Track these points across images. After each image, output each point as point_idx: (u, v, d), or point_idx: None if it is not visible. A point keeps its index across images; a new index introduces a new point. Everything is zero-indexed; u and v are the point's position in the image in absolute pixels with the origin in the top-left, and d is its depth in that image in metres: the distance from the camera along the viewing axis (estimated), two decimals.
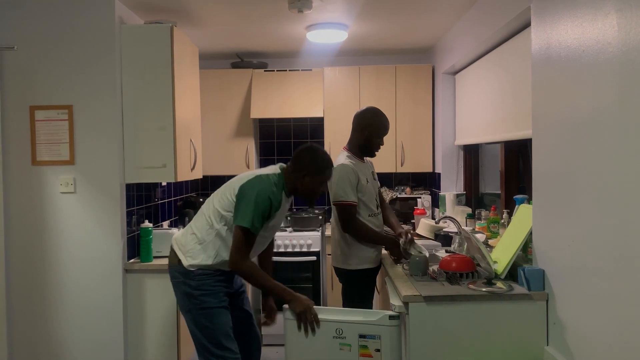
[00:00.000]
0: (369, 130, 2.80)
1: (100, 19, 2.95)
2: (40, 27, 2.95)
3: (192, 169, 3.45)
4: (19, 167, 2.98)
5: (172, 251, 2.46)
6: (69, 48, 2.96)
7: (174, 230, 3.25)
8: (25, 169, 2.98)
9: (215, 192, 2.48)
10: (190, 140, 3.41)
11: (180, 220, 3.87)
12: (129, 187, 3.11)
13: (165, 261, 3.05)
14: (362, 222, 2.74)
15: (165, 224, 3.79)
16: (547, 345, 2.12)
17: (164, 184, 3.76)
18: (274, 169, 2.44)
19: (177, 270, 2.40)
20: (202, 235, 2.38)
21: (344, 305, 2.83)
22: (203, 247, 2.36)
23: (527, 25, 2.49)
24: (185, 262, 2.36)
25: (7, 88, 2.96)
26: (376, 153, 2.89)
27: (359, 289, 2.78)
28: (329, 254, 3.96)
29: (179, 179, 3.14)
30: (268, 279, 2.34)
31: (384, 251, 2.99)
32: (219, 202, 2.38)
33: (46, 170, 2.98)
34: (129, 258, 3.11)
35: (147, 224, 3.11)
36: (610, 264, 1.65)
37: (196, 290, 2.35)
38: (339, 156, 2.85)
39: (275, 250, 4.01)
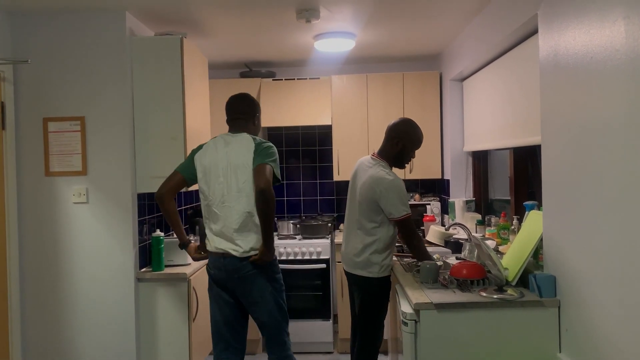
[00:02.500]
0: (403, 144, 2.77)
1: (112, 31, 3.00)
2: (53, 41, 3.01)
3: None
4: (32, 178, 3.02)
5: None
6: (81, 60, 3.01)
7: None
8: (39, 180, 3.02)
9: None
10: None
11: (191, 228, 3.89)
12: (140, 197, 3.14)
13: (177, 270, 3.11)
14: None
15: None
16: (560, 352, 2.11)
17: None
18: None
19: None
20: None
21: (360, 313, 2.82)
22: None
23: (535, 32, 2.50)
24: None
25: (21, 100, 3.01)
26: (406, 165, 2.89)
27: (378, 297, 2.78)
28: (338, 262, 3.97)
29: (190, 188, 3.16)
30: None
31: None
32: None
33: (59, 181, 3.03)
34: (141, 267, 3.13)
35: (158, 233, 3.14)
36: (624, 270, 1.65)
37: (277, 274, 2.61)
38: (374, 166, 2.76)
39: (284, 258, 4.03)
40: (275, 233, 3.64)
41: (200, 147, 2.68)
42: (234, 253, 2.50)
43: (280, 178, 2.55)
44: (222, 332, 2.62)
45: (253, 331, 3.97)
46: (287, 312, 2.64)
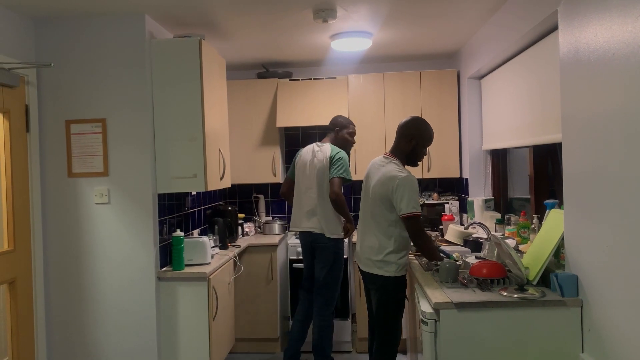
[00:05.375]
0: (416, 141, 2.80)
1: (132, 35, 3.05)
2: (75, 44, 3.07)
3: (221, 178, 3.52)
4: (55, 179, 3.09)
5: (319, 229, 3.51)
6: (102, 63, 3.06)
7: (205, 238, 3.31)
8: (62, 181, 3.09)
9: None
10: (219, 150, 3.47)
11: (210, 228, 3.93)
12: (161, 197, 3.19)
13: (197, 269, 3.15)
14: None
15: (195, 232, 3.86)
16: (583, 352, 2.09)
17: (193, 193, 3.83)
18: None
19: (330, 238, 3.51)
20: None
21: (377, 312, 2.83)
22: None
23: (554, 29, 2.47)
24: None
25: (45, 103, 3.07)
26: (419, 163, 2.90)
27: (395, 296, 2.78)
28: (355, 261, 3.97)
29: (209, 188, 3.20)
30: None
31: (410, 257, 3.00)
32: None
33: (81, 182, 3.08)
34: (162, 266, 3.18)
35: (178, 232, 3.18)
36: None
37: (341, 250, 3.55)
38: (388, 165, 2.79)
39: (302, 257, 4.04)
40: (293, 232, 4.12)
41: (299, 152, 3.72)
42: (312, 230, 3.50)
43: (350, 178, 3.50)
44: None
45: (271, 330, 4.01)
46: (337, 280, 3.53)
